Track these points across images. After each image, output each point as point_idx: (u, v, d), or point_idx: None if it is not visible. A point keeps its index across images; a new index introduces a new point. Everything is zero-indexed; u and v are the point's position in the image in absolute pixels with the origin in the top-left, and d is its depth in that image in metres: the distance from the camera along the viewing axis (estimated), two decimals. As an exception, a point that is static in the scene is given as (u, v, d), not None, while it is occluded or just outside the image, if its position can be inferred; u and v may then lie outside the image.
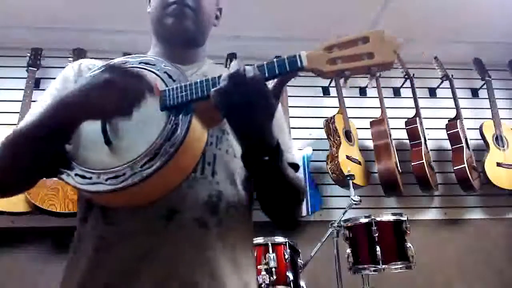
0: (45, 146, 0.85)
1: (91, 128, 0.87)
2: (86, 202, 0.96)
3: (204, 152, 0.90)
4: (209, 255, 0.92)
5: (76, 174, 0.85)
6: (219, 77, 0.84)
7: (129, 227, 0.91)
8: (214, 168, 0.97)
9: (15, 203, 2.46)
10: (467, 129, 3.14)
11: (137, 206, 0.89)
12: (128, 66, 0.94)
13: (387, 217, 2.28)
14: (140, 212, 0.90)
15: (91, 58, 2.84)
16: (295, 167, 1.06)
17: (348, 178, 2.45)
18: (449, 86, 3.22)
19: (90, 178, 0.84)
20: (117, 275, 0.89)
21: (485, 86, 3.26)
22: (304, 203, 2.70)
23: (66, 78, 1.05)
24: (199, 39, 1.13)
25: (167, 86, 0.89)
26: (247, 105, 0.81)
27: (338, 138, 2.92)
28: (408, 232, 2.24)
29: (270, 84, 0.85)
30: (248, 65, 0.84)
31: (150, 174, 0.80)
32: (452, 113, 3.17)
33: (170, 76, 0.90)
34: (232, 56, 3.01)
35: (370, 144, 3.06)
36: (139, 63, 0.95)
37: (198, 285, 0.89)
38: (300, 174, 1.04)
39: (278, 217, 1.05)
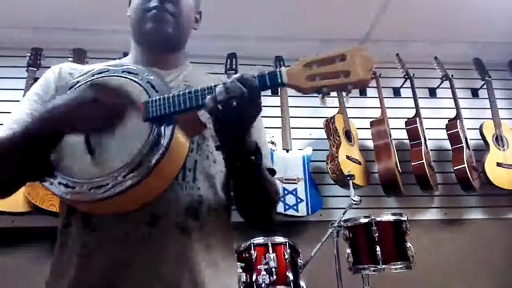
0: (28, 156, 0.87)
1: (74, 138, 0.89)
2: (68, 208, 0.98)
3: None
4: (191, 259, 0.94)
5: (59, 183, 0.87)
6: (202, 89, 0.86)
7: (112, 233, 0.92)
8: (195, 174, 1.00)
9: (15, 203, 2.46)
10: (467, 129, 3.13)
11: (120, 213, 0.90)
12: (111, 75, 0.96)
13: (387, 217, 2.28)
14: (123, 218, 0.91)
15: (90, 58, 2.87)
16: (272, 172, 1.10)
17: (348, 178, 2.45)
18: (449, 86, 3.22)
19: (74, 187, 0.86)
20: (101, 281, 0.90)
21: (485, 86, 3.26)
22: (304, 203, 2.74)
23: (47, 83, 1.07)
24: (179, 44, 1.15)
25: (150, 96, 0.90)
26: (241, 117, 0.84)
27: (338, 138, 2.92)
28: (408, 232, 2.23)
29: None
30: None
31: (133, 184, 0.82)
32: (452, 113, 3.17)
33: (153, 87, 0.92)
34: (232, 56, 3.01)
35: (370, 144, 3.06)
36: (122, 72, 0.96)
37: None
38: (277, 180, 1.09)
39: (253, 218, 1.08)
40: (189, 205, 0.97)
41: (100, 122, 0.84)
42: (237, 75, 0.83)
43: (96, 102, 0.84)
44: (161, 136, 0.86)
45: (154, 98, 0.89)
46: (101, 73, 0.99)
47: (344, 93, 0.83)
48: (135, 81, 0.93)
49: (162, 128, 0.87)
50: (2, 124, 1.00)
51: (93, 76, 0.99)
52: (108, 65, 1.01)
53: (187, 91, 0.87)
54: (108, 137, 0.88)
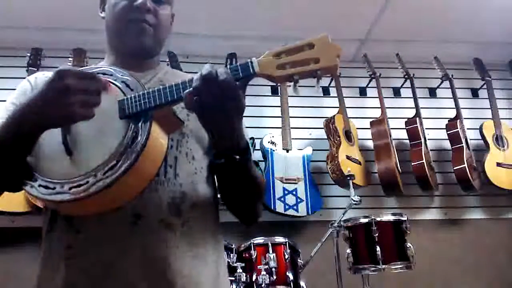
0: (4, 160, 0.87)
1: (51, 140, 0.89)
2: (51, 214, 0.98)
3: (166, 156, 0.93)
4: (176, 255, 0.94)
5: (39, 185, 0.87)
6: (176, 84, 0.87)
7: (95, 234, 0.92)
8: (176, 170, 0.99)
9: (15, 203, 2.46)
10: (467, 129, 3.13)
11: (102, 213, 0.90)
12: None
13: (387, 217, 2.28)
14: (106, 218, 0.91)
15: (90, 58, 2.87)
16: (256, 164, 1.11)
17: (348, 178, 2.45)
18: (449, 86, 3.22)
19: (54, 188, 0.85)
20: (87, 282, 0.90)
21: (485, 86, 3.26)
22: (304, 203, 2.74)
23: (23, 92, 1.07)
24: (156, 52, 1.16)
25: (125, 95, 0.91)
26: (220, 105, 0.85)
27: (338, 138, 2.92)
28: (408, 232, 2.24)
29: None
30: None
31: (113, 181, 0.82)
32: (452, 113, 3.17)
33: (127, 86, 0.93)
34: (232, 56, 3.00)
35: (370, 144, 3.06)
36: (97, 73, 0.95)
37: (170, 284, 0.91)
38: (258, 171, 1.10)
39: (242, 211, 1.10)
40: (171, 202, 0.97)
41: (74, 108, 0.80)
42: (206, 66, 0.84)
43: (64, 86, 0.80)
44: (138, 133, 0.86)
45: (129, 96, 0.89)
46: None
47: (316, 80, 0.85)
48: (110, 81, 0.93)
49: (139, 125, 0.87)
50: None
51: None
52: (83, 68, 1.00)
53: (161, 87, 0.88)
54: (84, 136, 0.89)
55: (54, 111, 0.81)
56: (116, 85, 0.93)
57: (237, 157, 0.93)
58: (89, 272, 0.90)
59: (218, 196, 1.11)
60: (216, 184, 1.10)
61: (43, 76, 1.10)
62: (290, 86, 0.86)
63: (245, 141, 0.95)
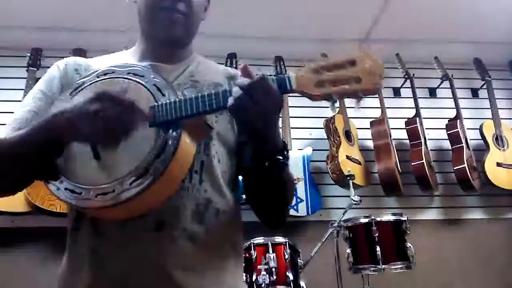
0: (31, 161, 0.87)
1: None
2: (76, 212, 0.97)
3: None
4: (198, 264, 0.93)
5: (65, 188, 0.86)
6: (209, 94, 0.85)
7: (118, 239, 0.91)
8: (201, 176, 0.97)
9: (15, 203, 2.46)
10: (467, 129, 3.14)
11: (126, 219, 0.89)
12: (116, 77, 0.94)
13: (387, 217, 2.28)
14: (130, 224, 0.90)
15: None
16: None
17: (348, 178, 2.46)
18: (449, 86, 3.22)
19: (80, 193, 0.85)
20: (111, 286, 0.90)
21: (485, 86, 3.26)
22: (304, 203, 2.74)
23: (51, 80, 1.05)
24: (188, 42, 1.13)
25: (155, 100, 0.89)
26: (266, 113, 0.84)
27: (338, 138, 2.92)
28: (408, 232, 2.24)
29: None
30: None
31: (140, 192, 0.81)
32: (452, 113, 3.17)
33: (159, 89, 0.90)
34: (232, 56, 3.00)
35: (370, 144, 3.06)
36: (128, 73, 0.94)
37: None
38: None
39: (272, 214, 1.09)
40: (195, 209, 0.95)
41: (104, 134, 0.81)
42: (257, 78, 0.83)
43: (100, 112, 0.80)
44: (168, 141, 0.84)
45: (161, 103, 0.87)
46: (106, 74, 0.96)
47: (355, 100, 0.81)
48: (141, 84, 0.92)
49: (169, 133, 0.85)
50: (3, 125, 1.00)
51: (98, 77, 0.96)
52: (114, 66, 0.98)
53: (193, 96, 0.86)
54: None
55: (82, 130, 0.81)
56: (146, 88, 0.91)
57: (280, 157, 0.92)
58: (112, 277, 0.90)
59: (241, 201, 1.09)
60: (243, 189, 1.08)
61: (73, 63, 1.08)
62: (329, 106, 0.82)
63: (282, 141, 0.94)
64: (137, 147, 0.85)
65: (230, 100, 0.83)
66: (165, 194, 0.88)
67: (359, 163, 2.94)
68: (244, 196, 1.09)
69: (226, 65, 2.99)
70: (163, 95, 0.89)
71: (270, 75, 0.85)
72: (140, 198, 0.82)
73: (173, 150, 0.83)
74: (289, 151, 0.98)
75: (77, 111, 0.82)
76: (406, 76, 3.21)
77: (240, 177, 1.09)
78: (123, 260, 0.90)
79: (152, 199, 0.86)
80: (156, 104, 0.88)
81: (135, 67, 0.96)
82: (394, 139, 3.07)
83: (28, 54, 2.85)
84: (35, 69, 2.83)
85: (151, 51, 1.09)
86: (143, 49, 1.11)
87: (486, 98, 3.23)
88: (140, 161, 0.83)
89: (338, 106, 3.04)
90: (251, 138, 0.93)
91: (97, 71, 0.98)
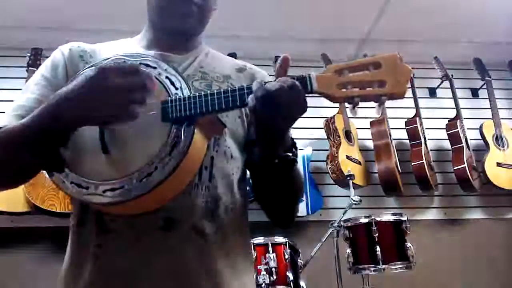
0: (35, 151, 0.81)
1: (88, 134, 0.84)
2: (81, 206, 0.94)
3: None
4: (208, 262, 0.91)
5: (72, 182, 0.83)
6: (225, 91, 0.82)
7: (124, 236, 0.89)
8: (211, 172, 0.95)
9: (15, 203, 2.46)
10: (467, 129, 3.13)
11: (133, 215, 0.88)
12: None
13: (387, 217, 2.28)
14: (137, 220, 0.88)
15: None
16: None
17: (348, 178, 2.46)
18: (449, 86, 3.22)
19: (87, 188, 0.81)
20: (117, 283, 0.89)
21: (485, 86, 3.25)
22: (304, 203, 2.74)
23: (55, 66, 1.01)
24: (199, 32, 1.10)
25: (169, 93, 0.85)
26: (289, 114, 0.82)
27: (338, 138, 2.92)
28: (408, 232, 2.24)
29: None
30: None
31: (150, 189, 0.79)
32: (452, 113, 3.17)
33: (172, 83, 0.87)
34: (232, 56, 3.00)
35: (370, 144, 3.06)
36: (140, 64, 0.90)
37: None
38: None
39: (281, 213, 1.07)
40: (204, 206, 0.93)
41: (117, 109, 0.76)
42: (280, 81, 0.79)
43: (106, 88, 0.76)
44: (180, 138, 0.81)
45: (174, 97, 0.84)
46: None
47: (376, 104, 0.77)
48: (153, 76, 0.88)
49: (181, 130, 0.82)
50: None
51: None
52: (124, 55, 0.94)
53: (209, 92, 0.83)
54: (123, 135, 0.83)
55: (96, 111, 0.77)
56: (159, 80, 0.86)
57: (290, 154, 0.91)
58: (118, 273, 0.88)
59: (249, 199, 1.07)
60: (252, 186, 1.06)
61: (77, 49, 1.04)
62: (348, 107, 0.78)
63: (291, 138, 0.93)
64: (149, 143, 0.82)
65: (257, 103, 0.79)
66: (175, 191, 0.85)
67: (359, 163, 2.94)
68: (252, 194, 1.08)
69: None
70: (176, 88, 0.86)
71: (291, 76, 0.81)
72: (150, 195, 0.80)
73: (185, 147, 0.80)
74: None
75: (85, 91, 0.77)
76: (406, 76, 3.20)
77: (248, 175, 1.08)
78: (132, 257, 0.89)
79: (162, 196, 0.84)
80: (169, 99, 0.84)
81: (146, 57, 0.92)
82: (394, 139, 3.08)
83: (28, 54, 2.85)
84: (35, 69, 2.82)
85: (158, 40, 1.06)
86: (150, 38, 1.08)
87: (486, 98, 3.23)
88: (151, 157, 0.80)
89: (339, 103, 3.03)
90: (267, 137, 0.90)
91: (106, 59, 0.94)
